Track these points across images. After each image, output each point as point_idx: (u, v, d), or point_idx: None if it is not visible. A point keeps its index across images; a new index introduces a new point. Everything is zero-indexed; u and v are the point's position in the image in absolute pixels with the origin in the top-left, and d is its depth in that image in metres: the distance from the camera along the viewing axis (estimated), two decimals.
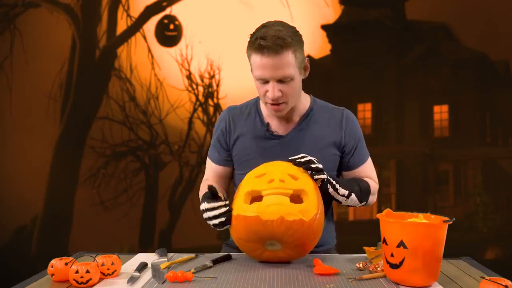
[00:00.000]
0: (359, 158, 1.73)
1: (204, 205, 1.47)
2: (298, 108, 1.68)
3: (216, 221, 1.45)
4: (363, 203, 1.64)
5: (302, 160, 1.47)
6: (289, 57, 1.50)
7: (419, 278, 1.25)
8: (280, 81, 1.52)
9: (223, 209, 1.44)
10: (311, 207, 1.39)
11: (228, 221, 1.44)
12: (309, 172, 1.46)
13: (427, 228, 1.25)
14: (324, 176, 1.48)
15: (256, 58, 1.51)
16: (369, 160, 1.76)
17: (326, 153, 1.67)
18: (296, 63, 1.53)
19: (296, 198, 1.41)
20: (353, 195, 1.58)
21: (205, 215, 1.47)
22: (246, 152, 1.70)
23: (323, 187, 1.49)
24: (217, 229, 1.48)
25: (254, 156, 1.67)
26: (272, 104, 1.57)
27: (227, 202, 1.46)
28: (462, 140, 3.65)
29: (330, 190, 1.52)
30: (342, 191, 1.55)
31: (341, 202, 1.58)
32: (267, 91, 1.55)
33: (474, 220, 3.56)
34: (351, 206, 1.63)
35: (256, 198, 1.42)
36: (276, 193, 1.38)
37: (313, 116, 1.70)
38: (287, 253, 1.43)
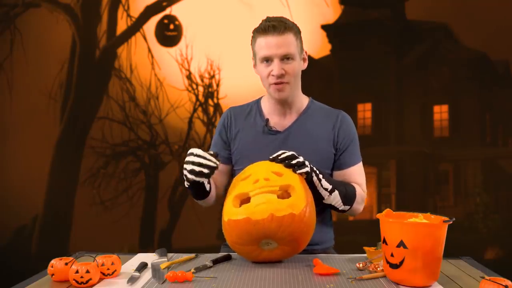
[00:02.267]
0: (350, 158, 1.75)
1: (195, 150, 1.49)
2: (297, 105, 1.75)
3: (197, 168, 1.46)
4: (346, 207, 1.64)
5: (283, 156, 1.50)
6: (291, 37, 1.64)
7: (419, 278, 1.25)
8: (283, 60, 1.63)
9: (212, 164, 1.47)
10: (299, 200, 1.40)
11: (208, 176, 1.47)
12: (291, 168, 1.48)
13: (427, 228, 1.25)
14: (306, 169, 1.49)
15: (262, 40, 1.65)
16: (360, 165, 1.78)
17: (322, 149, 1.71)
18: (296, 46, 1.66)
19: (284, 194, 1.42)
20: (336, 192, 1.58)
21: (190, 158, 1.48)
22: (245, 148, 1.75)
23: (308, 178, 1.51)
24: (191, 176, 1.48)
25: (253, 152, 1.72)
26: (276, 84, 1.65)
27: (218, 162, 1.48)
28: (462, 140, 3.65)
29: (314, 178, 1.53)
30: (326, 184, 1.56)
31: (323, 199, 1.58)
32: (271, 71, 1.64)
33: (474, 220, 3.56)
34: (334, 208, 1.63)
35: (245, 200, 1.42)
36: (262, 192, 1.39)
37: (310, 114, 1.76)
38: (284, 250, 1.43)
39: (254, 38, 1.68)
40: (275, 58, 1.62)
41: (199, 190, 1.59)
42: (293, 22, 1.68)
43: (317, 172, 1.54)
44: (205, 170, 1.47)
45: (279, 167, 1.47)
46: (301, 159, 1.50)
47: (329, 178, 1.61)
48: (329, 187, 1.57)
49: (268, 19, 1.66)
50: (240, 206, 1.41)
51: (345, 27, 3.65)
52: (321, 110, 1.78)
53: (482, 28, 3.52)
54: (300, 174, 1.48)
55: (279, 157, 1.50)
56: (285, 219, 1.36)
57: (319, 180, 1.54)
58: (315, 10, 3.63)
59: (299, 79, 1.72)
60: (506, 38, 3.54)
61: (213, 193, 1.69)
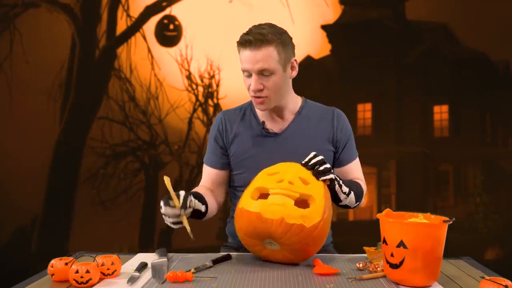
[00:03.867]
0: (349, 154, 1.77)
1: (161, 201, 1.48)
2: (290, 107, 1.74)
3: (168, 220, 1.48)
4: (357, 204, 1.66)
5: (314, 160, 1.49)
6: (269, 52, 1.58)
7: (419, 278, 1.25)
8: (261, 74, 1.60)
9: (172, 221, 1.47)
10: (315, 214, 1.39)
11: (179, 222, 1.48)
12: (317, 176, 1.47)
13: (427, 228, 1.25)
14: (331, 176, 1.49)
15: (241, 52, 1.61)
16: (358, 160, 1.81)
17: (322, 148, 1.70)
18: (278, 60, 1.60)
19: (303, 203, 1.41)
20: (352, 193, 1.60)
21: (162, 209, 1.48)
22: (243, 151, 1.73)
23: (331, 186, 1.51)
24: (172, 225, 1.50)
25: (251, 155, 1.71)
26: (255, 97, 1.64)
27: (179, 213, 1.46)
28: (462, 140, 3.65)
29: (337, 188, 1.53)
30: (345, 188, 1.57)
31: (341, 201, 1.59)
32: (250, 84, 1.63)
33: (474, 220, 3.56)
34: (346, 206, 1.64)
35: (264, 195, 1.43)
36: (282, 194, 1.39)
37: (305, 114, 1.76)
38: (285, 255, 1.43)
39: (237, 46, 1.64)
40: (252, 72, 1.60)
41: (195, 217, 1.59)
42: (277, 32, 1.61)
43: (338, 179, 1.55)
44: (175, 226, 1.49)
45: (308, 175, 1.46)
46: (328, 165, 1.49)
47: (343, 180, 1.61)
48: (347, 190, 1.58)
49: (248, 31, 1.61)
50: (258, 199, 1.42)
51: (345, 27, 3.65)
52: (316, 109, 1.78)
53: (482, 28, 3.52)
54: (324, 181, 1.48)
55: (309, 162, 1.49)
56: (293, 228, 1.35)
57: (340, 186, 1.55)
58: (315, 10, 3.63)
59: (286, 87, 1.69)
60: (506, 38, 3.54)
61: (211, 210, 1.67)
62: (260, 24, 1.64)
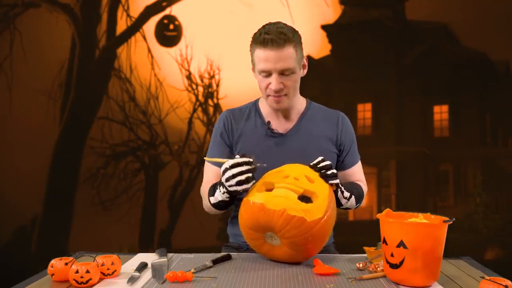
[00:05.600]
0: (353, 158, 1.80)
1: (228, 163, 1.46)
2: (296, 108, 1.75)
3: (242, 177, 1.43)
4: (357, 205, 1.70)
5: (322, 164, 1.50)
6: (291, 51, 1.57)
7: (419, 278, 1.25)
8: (282, 74, 1.59)
9: (249, 167, 1.44)
10: (317, 210, 1.40)
11: (253, 177, 1.45)
12: (324, 178, 1.48)
13: (427, 228, 1.25)
14: (337, 181, 1.51)
15: (260, 52, 1.58)
16: (360, 163, 1.84)
17: (325, 150, 1.72)
18: (296, 58, 1.60)
19: (307, 200, 1.43)
20: (353, 197, 1.63)
21: (229, 172, 1.44)
22: (248, 151, 1.72)
23: (335, 191, 1.54)
24: (241, 187, 1.45)
25: (257, 155, 1.69)
26: (274, 97, 1.63)
27: (251, 159, 1.46)
28: (462, 140, 3.65)
29: (339, 194, 1.56)
30: (346, 193, 1.60)
31: (342, 205, 1.61)
32: (269, 84, 1.61)
33: (474, 220, 3.56)
34: (347, 208, 1.68)
35: (270, 190, 1.45)
36: (286, 188, 1.41)
37: (310, 115, 1.76)
38: (285, 251, 1.43)
39: (252, 47, 1.62)
40: (274, 72, 1.58)
41: (230, 201, 1.58)
42: (293, 31, 1.60)
43: (340, 185, 1.56)
44: (249, 174, 1.44)
45: (314, 175, 1.48)
46: (335, 171, 1.51)
47: (344, 184, 1.63)
48: (348, 195, 1.60)
49: (267, 30, 1.57)
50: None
51: (345, 27, 3.65)
52: (320, 111, 1.79)
53: (482, 28, 3.52)
54: (331, 185, 1.49)
55: (318, 165, 1.50)
56: (294, 220, 1.36)
57: (342, 192, 1.57)
58: (315, 10, 3.63)
59: (298, 85, 1.70)
60: (506, 38, 3.54)
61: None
62: (275, 23, 1.61)
